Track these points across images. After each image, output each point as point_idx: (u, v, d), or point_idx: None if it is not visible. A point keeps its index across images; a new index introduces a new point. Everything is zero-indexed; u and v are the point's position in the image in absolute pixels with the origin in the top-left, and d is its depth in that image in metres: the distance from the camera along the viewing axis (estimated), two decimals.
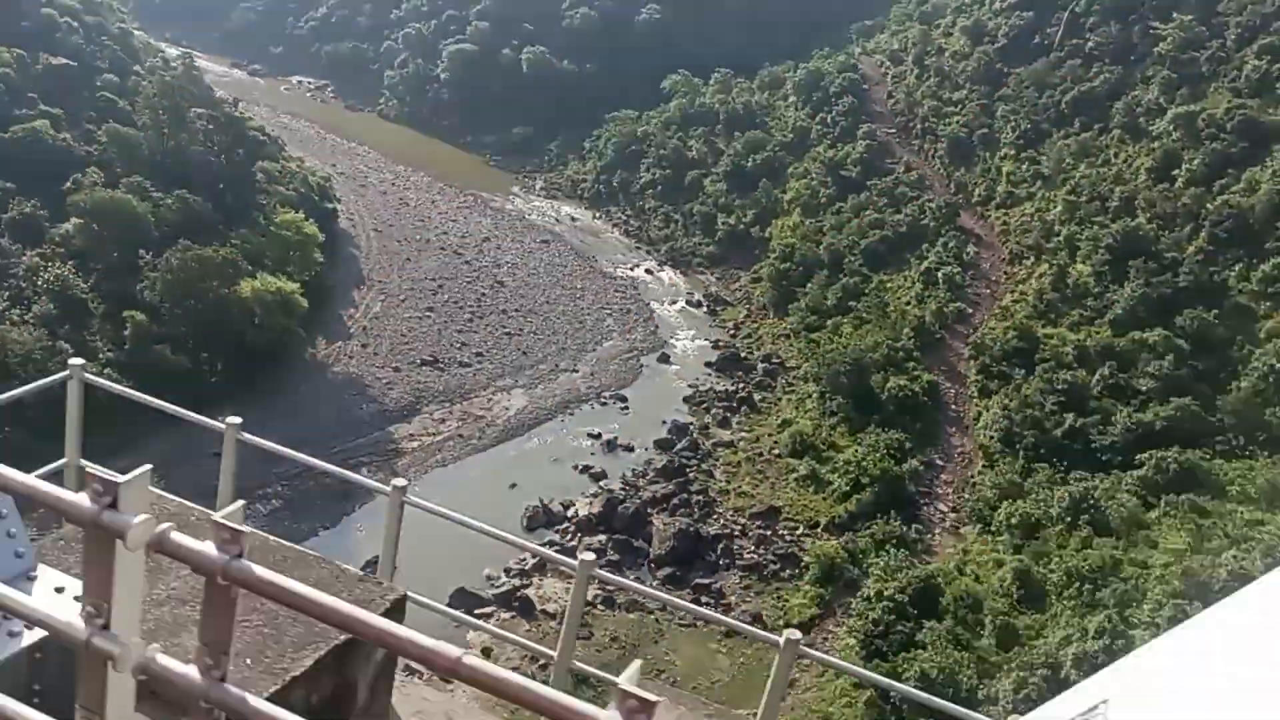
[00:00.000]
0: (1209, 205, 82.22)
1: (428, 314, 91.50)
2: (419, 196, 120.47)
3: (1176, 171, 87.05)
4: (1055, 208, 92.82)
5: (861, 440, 73.98)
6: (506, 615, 58.65)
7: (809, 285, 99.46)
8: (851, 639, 53.41)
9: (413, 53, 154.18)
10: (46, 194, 79.45)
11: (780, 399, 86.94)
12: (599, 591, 61.31)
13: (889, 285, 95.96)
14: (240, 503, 3.15)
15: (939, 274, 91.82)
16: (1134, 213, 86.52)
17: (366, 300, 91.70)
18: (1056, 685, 43.63)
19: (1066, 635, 46.06)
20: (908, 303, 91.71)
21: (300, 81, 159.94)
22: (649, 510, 69.09)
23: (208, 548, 2.91)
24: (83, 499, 2.94)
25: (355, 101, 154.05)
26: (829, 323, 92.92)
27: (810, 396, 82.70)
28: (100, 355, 67.87)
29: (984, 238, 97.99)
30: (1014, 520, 61.48)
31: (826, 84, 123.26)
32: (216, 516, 2.92)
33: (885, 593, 53.21)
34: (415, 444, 74.17)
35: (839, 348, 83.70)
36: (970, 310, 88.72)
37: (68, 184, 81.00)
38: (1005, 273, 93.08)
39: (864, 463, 69.68)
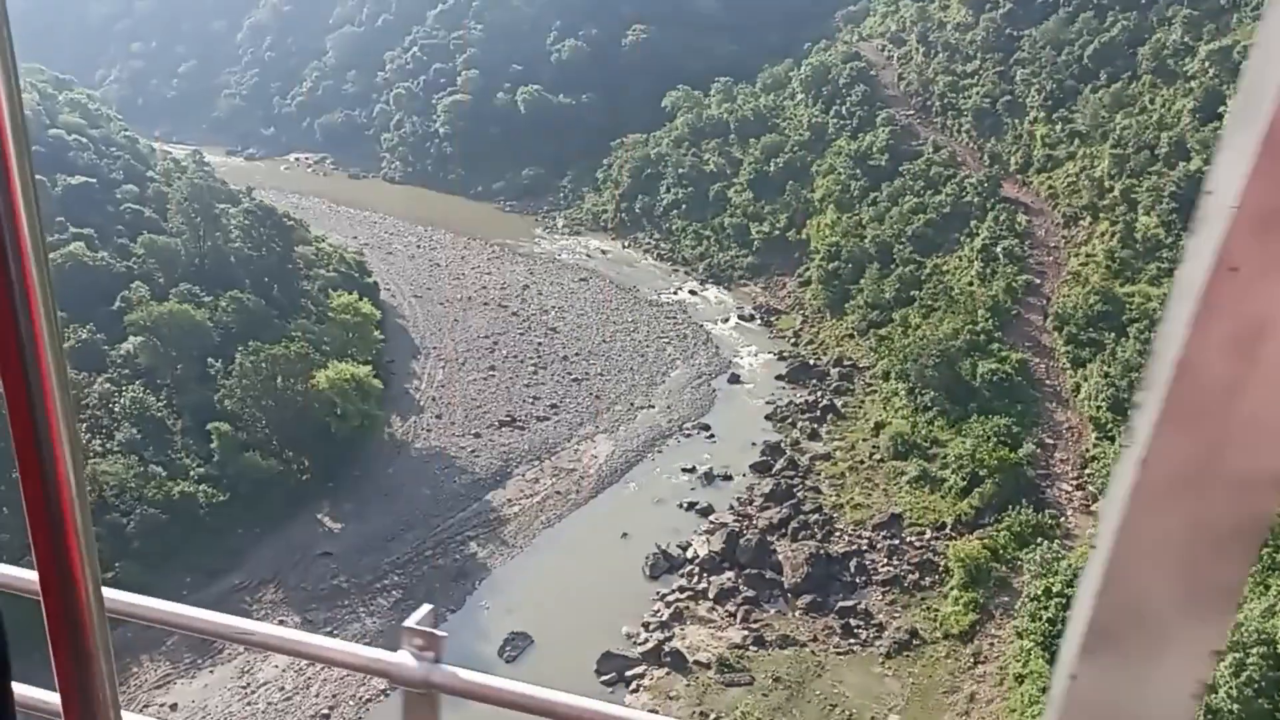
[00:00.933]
0: None
1: (491, 373, 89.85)
2: (447, 255, 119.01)
3: (1222, 109, 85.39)
4: (1102, 163, 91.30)
5: (966, 431, 72.18)
6: (660, 672, 56.73)
7: (862, 281, 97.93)
8: (1027, 641, 51.51)
9: (407, 112, 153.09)
10: (96, 316, 77.91)
11: (863, 401, 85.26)
12: (747, 630, 59.61)
13: (945, 269, 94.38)
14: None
15: (997, 249, 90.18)
16: (1188, 156, 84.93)
17: (427, 369, 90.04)
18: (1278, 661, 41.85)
19: (1270, 605, 44.21)
20: (969, 283, 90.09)
21: (298, 159, 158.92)
22: (769, 538, 67.24)
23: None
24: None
25: (357, 170, 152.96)
26: (895, 316, 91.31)
27: (897, 394, 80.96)
28: (191, 473, 66.20)
29: (1031, 205, 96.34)
30: None
31: (834, 76, 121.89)
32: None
33: (1054, 589, 51.32)
34: (515, 508, 72.37)
35: (916, 340, 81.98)
36: (1038, 281, 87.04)
37: (117, 303, 79.54)
38: (1063, 237, 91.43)
39: (977, 454, 67.87)
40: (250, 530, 66.19)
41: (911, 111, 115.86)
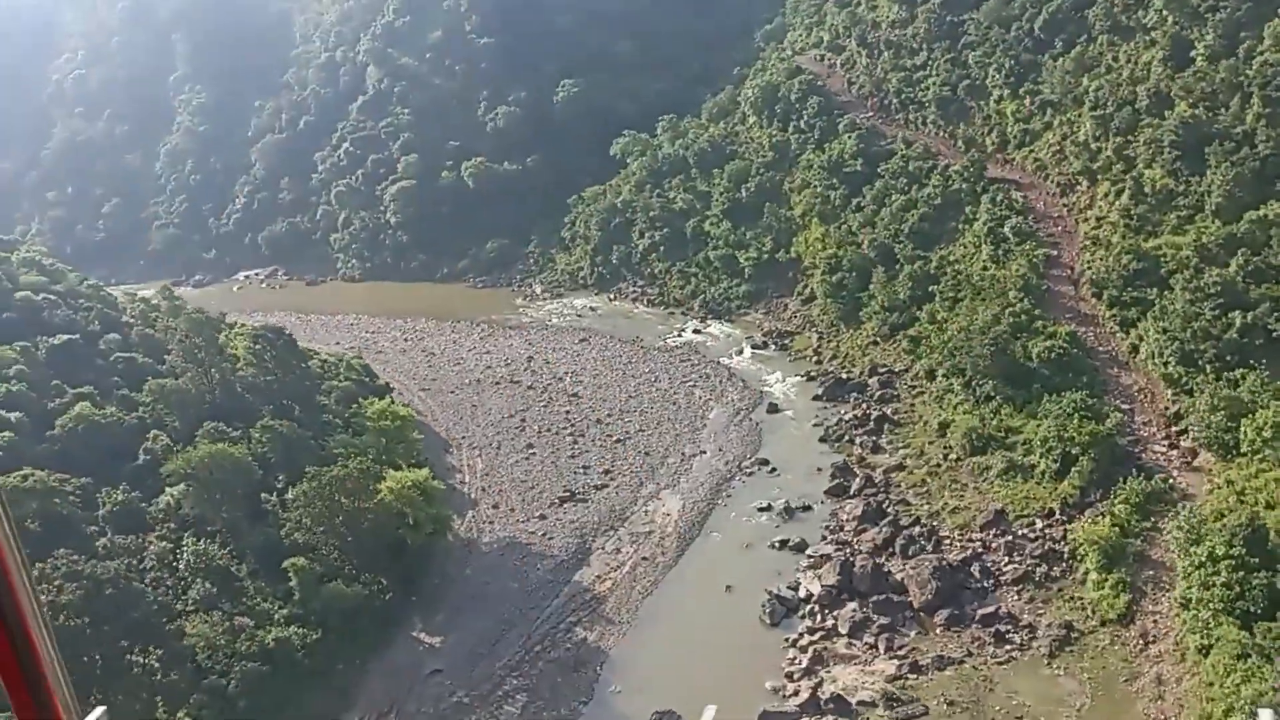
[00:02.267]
0: (1247, 73, 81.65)
1: (530, 451, 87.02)
2: (437, 343, 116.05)
3: (1194, 53, 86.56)
4: (1083, 127, 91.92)
5: (1039, 413, 71.21)
6: None
7: (871, 287, 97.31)
8: (1202, 610, 50.04)
9: (352, 209, 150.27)
10: (122, 474, 73.71)
11: (913, 405, 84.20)
12: (896, 659, 57.53)
13: (952, 258, 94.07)
14: None
15: (1004, 229, 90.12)
16: (1171, 104, 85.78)
17: (464, 461, 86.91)
18: None
19: None
20: (984, 267, 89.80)
21: (247, 276, 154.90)
22: (880, 561, 65.34)
23: None
24: None
25: (313, 276, 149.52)
26: (918, 314, 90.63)
27: (951, 390, 79.92)
28: (276, 616, 62.32)
29: (1021, 181, 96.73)
30: (1266, 433, 58.93)
31: (785, 94, 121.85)
32: None
33: (1218, 552, 50.07)
34: (607, 583, 69.54)
35: (955, 333, 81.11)
36: (1055, 252, 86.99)
37: (141, 456, 75.41)
38: (1064, 205, 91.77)
39: (1064, 433, 66.81)
40: (351, 663, 62.42)
41: (871, 113, 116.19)
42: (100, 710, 3.17)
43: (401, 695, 60.50)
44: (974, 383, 77.42)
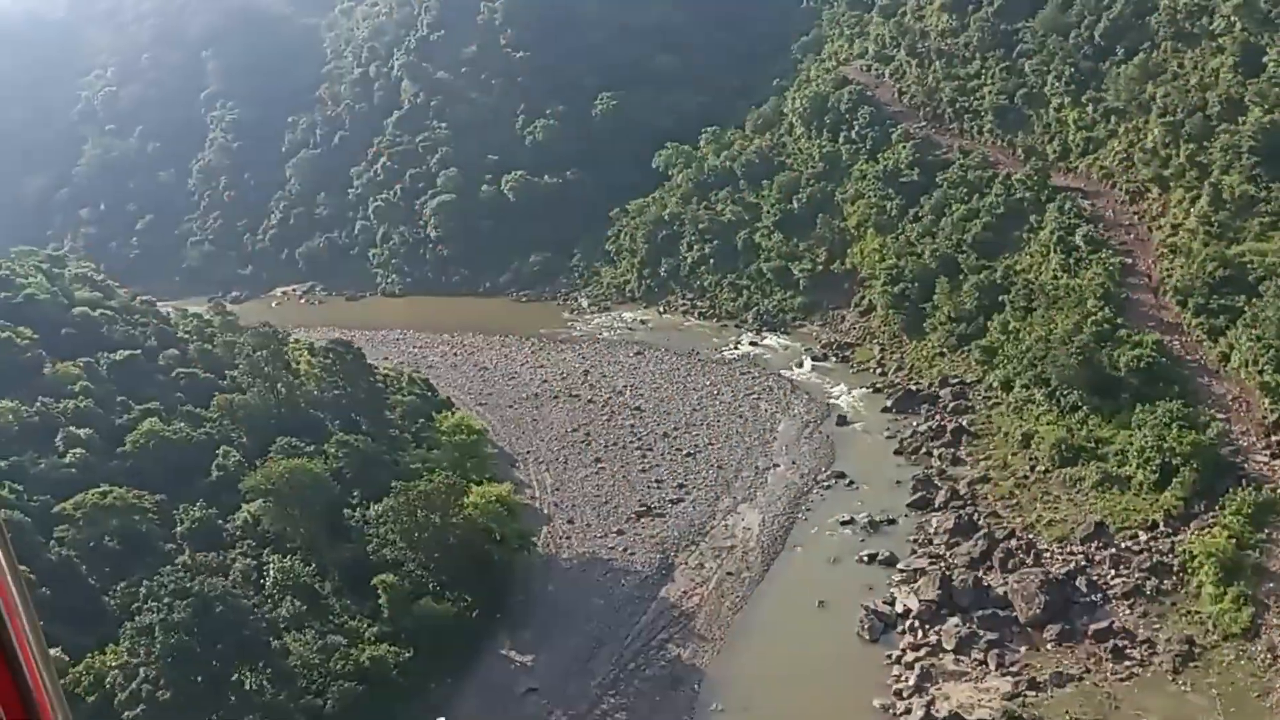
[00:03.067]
0: None
1: (600, 466, 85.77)
2: (488, 357, 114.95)
3: (1266, 59, 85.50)
4: (1151, 134, 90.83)
5: (1131, 423, 69.83)
6: None
7: (935, 298, 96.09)
8: None
9: (391, 223, 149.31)
10: (190, 491, 72.61)
11: (989, 416, 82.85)
12: (1009, 675, 56.11)
13: (1018, 268, 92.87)
14: None
15: (1075, 238, 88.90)
16: (1244, 110, 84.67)
17: (532, 475, 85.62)
18: None
19: None
20: (1055, 276, 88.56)
21: (284, 292, 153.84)
22: (979, 575, 63.93)
23: None
24: None
25: (351, 290, 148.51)
26: (988, 325, 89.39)
27: (1031, 401, 78.55)
28: (366, 634, 60.98)
29: (1086, 189, 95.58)
30: None
31: (834, 104, 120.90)
32: None
33: None
34: (695, 599, 68.18)
35: (1035, 343, 79.86)
36: (1129, 260, 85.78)
37: (214, 472, 74.32)
38: (1134, 212, 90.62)
39: (1163, 443, 65.46)
40: (443, 682, 61.11)
41: (924, 123, 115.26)
42: None
43: (498, 715, 59.15)
44: (1058, 393, 76.07)
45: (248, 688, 49.43)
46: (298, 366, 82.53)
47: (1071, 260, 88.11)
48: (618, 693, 60.54)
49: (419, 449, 76.85)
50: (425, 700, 59.32)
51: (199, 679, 47.43)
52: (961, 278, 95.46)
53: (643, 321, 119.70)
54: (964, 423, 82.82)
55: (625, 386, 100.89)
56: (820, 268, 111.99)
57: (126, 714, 47.06)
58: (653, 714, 58.74)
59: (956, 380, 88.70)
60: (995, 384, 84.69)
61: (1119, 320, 79.01)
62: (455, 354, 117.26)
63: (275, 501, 67.25)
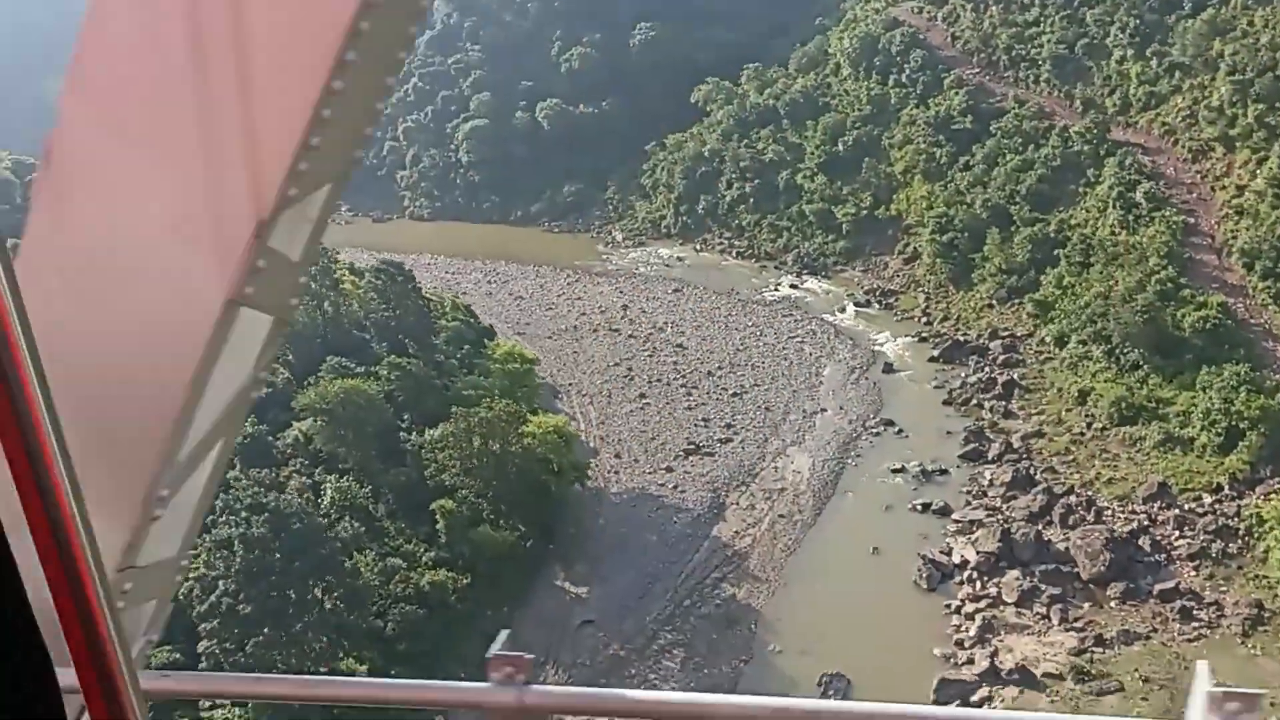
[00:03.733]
0: None
1: (644, 402, 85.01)
2: (523, 287, 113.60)
3: None
4: (1217, 92, 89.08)
5: (1194, 384, 69.18)
6: (1012, 691, 52.74)
7: (985, 249, 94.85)
8: None
9: (421, 146, 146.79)
10: None
11: (1041, 371, 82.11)
12: (1073, 631, 55.92)
13: (1074, 222, 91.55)
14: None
15: (1135, 194, 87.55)
16: None
17: (576, 409, 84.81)
18: None
19: None
20: (1112, 233, 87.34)
21: None
22: (1039, 530, 63.55)
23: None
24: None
25: (377, 212, 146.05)
26: (1040, 279, 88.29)
27: (1089, 358, 77.79)
28: (422, 557, 60.53)
29: (1147, 145, 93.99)
30: None
31: (884, 46, 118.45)
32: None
33: None
34: (747, 539, 67.88)
35: (1093, 299, 78.92)
36: (1192, 220, 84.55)
37: (262, 390, 73.22)
38: (1196, 171, 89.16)
39: (1230, 406, 64.85)
40: (498, 610, 60.83)
41: (978, 69, 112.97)
42: None
43: (556, 647, 58.95)
44: (1118, 351, 75.30)
45: (325, 606, 48.98)
46: (345, 287, 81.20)
47: (1131, 217, 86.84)
48: (674, 629, 60.38)
49: (469, 375, 75.79)
50: (481, 628, 58.92)
51: (277, 594, 46.91)
52: (1013, 230, 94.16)
53: (679, 259, 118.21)
54: (1015, 376, 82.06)
55: (665, 323, 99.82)
56: (864, 212, 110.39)
57: (204, 626, 46.61)
58: (710, 652, 58.58)
59: (1007, 333, 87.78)
60: (1048, 339, 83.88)
61: (1182, 280, 78.05)
62: (489, 282, 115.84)
63: (330, 421, 66.40)
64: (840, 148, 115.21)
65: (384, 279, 79.65)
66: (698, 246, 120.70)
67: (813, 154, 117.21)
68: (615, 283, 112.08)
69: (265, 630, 46.67)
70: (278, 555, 47.18)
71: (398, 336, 79.26)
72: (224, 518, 47.64)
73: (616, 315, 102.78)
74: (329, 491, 61.54)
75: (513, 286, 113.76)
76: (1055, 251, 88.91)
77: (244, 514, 48.88)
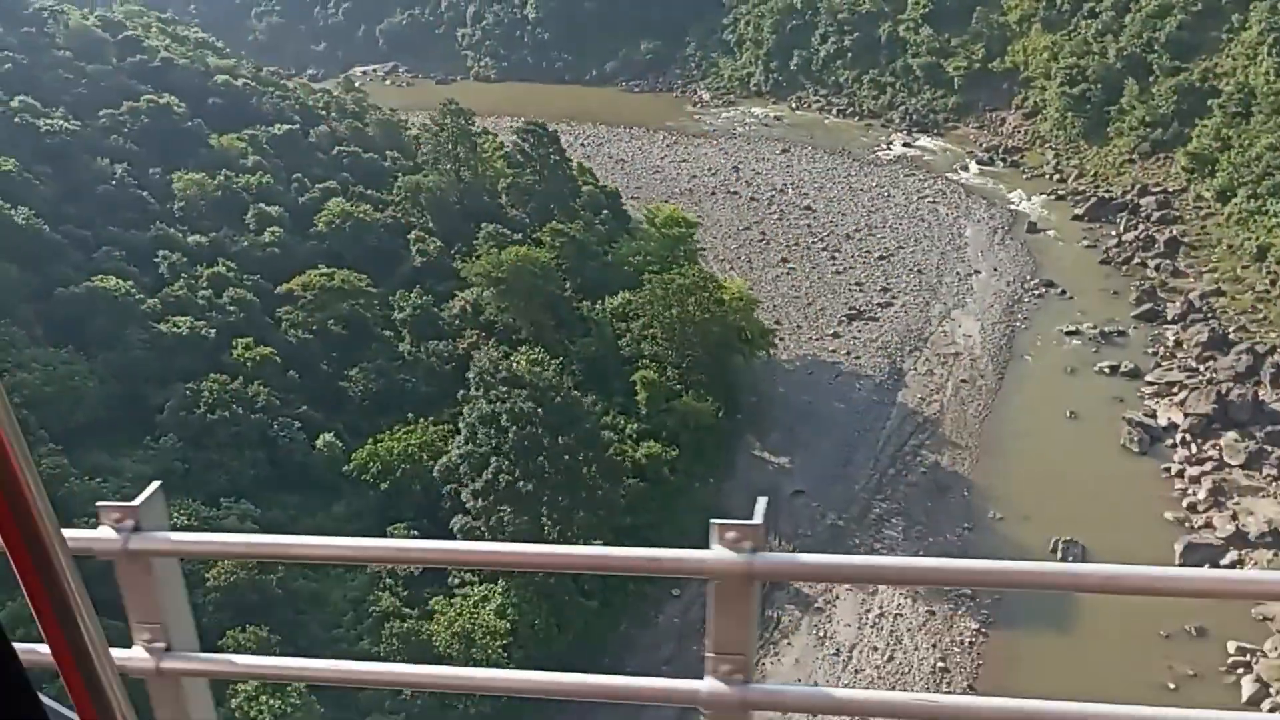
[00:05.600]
0: None
1: (789, 267, 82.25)
2: (620, 150, 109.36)
3: None
4: None
5: None
6: (1266, 554, 51.66)
7: (1121, 101, 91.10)
8: None
9: (483, 2, 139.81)
10: (389, 276, 68.61)
11: (1204, 227, 79.43)
12: None
13: (1220, 70, 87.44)
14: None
15: None
16: None
17: (716, 274, 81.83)
18: None
19: None
20: (1269, 80, 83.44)
21: (364, 71, 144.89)
22: (1254, 390, 61.80)
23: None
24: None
25: (438, 74, 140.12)
26: (1192, 131, 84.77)
27: (1263, 212, 74.99)
28: (626, 427, 58.37)
29: None
30: None
31: None
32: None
33: None
34: (934, 405, 66.08)
35: (1264, 150, 75.71)
36: None
37: (415, 257, 70.22)
38: None
39: None
40: (705, 482, 59.19)
41: None
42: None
43: (772, 516, 57.30)
44: None
45: (588, 482, 46.94)
46: (482, 150, 77.17)
47: None
48: (886, 497, 58.91)
49: (635, 241, 72.59)
50: (693, 499, 57.41)
51: (555, 472, 44.69)
52: (1152, 80, 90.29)
53: (776, 118, 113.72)
54: (1175, 233, 79.42)
55: (784, 185, 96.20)
56: (976, 66, 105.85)
57: (477, 504, 44.41)
58: (930, 520, 57.21)
59: (1159, 189, 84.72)
60: (1208, 194, 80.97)
61: None
62: (583, 145, 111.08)
63: (502, 291, 63.43)
64: None
65: (531, 140, 75.41)
66: (793, 105, 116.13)
67: (916, 4, 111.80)
68: (716, 143, 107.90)
69: (543, 508, 44.65)
70: (542, 430, 44.79)
71: (546, 204, 75.60)
72: (488, 393, 44.95)
73: (730, 177, 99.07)
74: (524, 362, 58.84)
75: (608, 149, 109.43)
76: (1209, 102, 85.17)
77: (502, 389, 46.27)
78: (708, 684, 3.03)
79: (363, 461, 52.47)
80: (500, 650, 44.06)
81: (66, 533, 2.82)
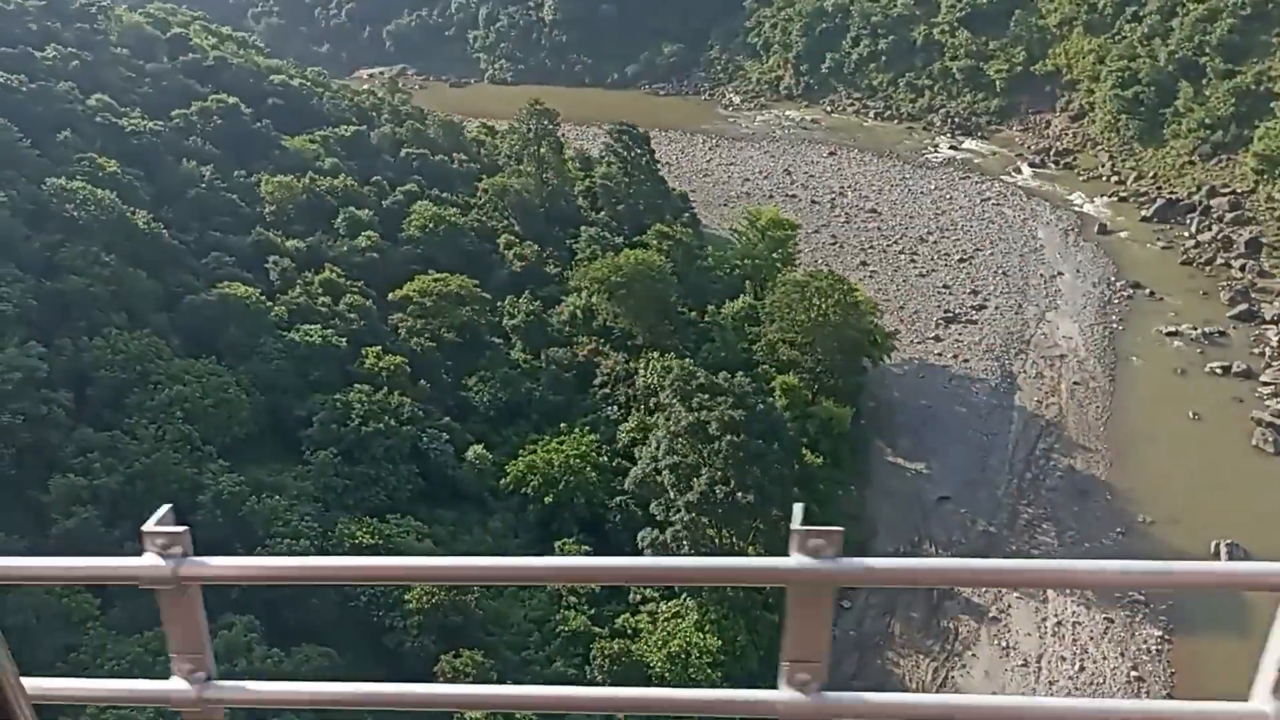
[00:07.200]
0: None
1: (869, 270, 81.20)
2: (663, 152, 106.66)
3: None
4: None
5: None
6: None
7: (1176, 104, 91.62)
8: None
9: (496, 4, 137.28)
10: (489, 280, 66.15)
11: (1279, 226, 79.89)
12: None
13: (1273, 74, 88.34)
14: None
15: None
16: None
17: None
18: None
19: None
20: None
21: (370, 74, 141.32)
22: None
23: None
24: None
25: (451, 76, 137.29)
26: (1254, 132, 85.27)
27: None
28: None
29: None
30: None
31: None
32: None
33: None
34: (1054, 409, 65.32)
35: None
36: None
37: (512, 262, 67.86)
38: None
39: None
40: (846, 488, 57.63)
41: None
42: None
43: (923, 525, 56.15)
44: None
45: (793, 493, 45.09)
46: (567, 155, 74.99)
47: None
48: (1029, 503, 57.92)
49: (723, 245, 70.93)
50: (838, 507, 55.84)
51: (766, 480, 42.68)
52: (1205, 82, 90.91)
53: (813, 120, 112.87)
54: (1254, 234, 79.76)
55: (842, 188, 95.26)
56: (1018, 69, 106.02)
57: (685, 517, 42.10)
58: (1081, 525, 56.31)
59: (1227, 190, 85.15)
60: (1278, 194, 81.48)
61: None
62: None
63: (620, 296, 61.33)
64: (984, 1, 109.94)
65: (623, 142, 73.39)
66: (828, 108, 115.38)
67: (950, 8, 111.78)
68: (759, 146, 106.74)
69: (758, 520, 42.76)
70: (750, 439, 42.79)
71: (635, 204, 73.61)
72: (696, 410, 42.67)
73: (780, 180, 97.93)
74: (656, 369, 56.83)
75: (658, 153, 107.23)
76: (1271, 104, 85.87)
77: (701, 397, 44.13)
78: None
79: (520, 474, 50.12)
80: (708, 668, 42.10)
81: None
